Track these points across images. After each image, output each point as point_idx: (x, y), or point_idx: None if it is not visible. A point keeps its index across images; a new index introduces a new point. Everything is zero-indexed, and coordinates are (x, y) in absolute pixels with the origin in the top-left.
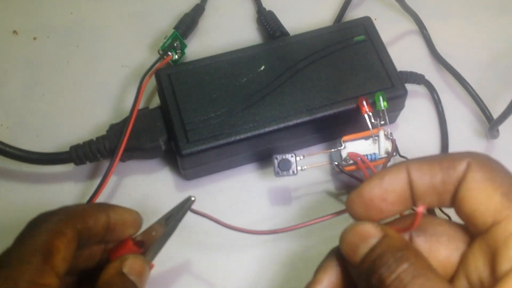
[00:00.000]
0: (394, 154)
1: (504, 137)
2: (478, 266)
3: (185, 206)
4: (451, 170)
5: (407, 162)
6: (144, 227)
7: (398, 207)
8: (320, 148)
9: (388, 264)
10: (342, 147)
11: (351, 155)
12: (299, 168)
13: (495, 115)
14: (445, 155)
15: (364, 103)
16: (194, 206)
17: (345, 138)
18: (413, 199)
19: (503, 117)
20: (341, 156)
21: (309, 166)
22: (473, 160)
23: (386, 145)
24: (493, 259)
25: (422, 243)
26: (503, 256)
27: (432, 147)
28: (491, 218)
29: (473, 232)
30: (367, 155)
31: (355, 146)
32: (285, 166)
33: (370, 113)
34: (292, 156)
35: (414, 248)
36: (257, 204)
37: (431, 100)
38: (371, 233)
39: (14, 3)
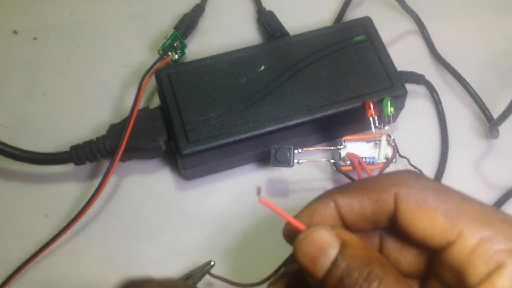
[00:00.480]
0: (394, 161)
1: (504, 137)
2: (447, 277)
3: (204, 269)
4: (380, 202)
5: (334, 196)
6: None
7: None
8: (321, 146)
9: (358, 284)
10: (342, 147)
11: (349, 156)
12: (295, 160)
13: (495, 115)
14: (371, 183)
15: (371, 105)
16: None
17: (346, 138)
18: (346, 227)
19: (503, 117)
20: (340, 155)
21: (306, 160)
22: (400, 188)
23: (386, 151)
24: (460, 275)
25: (392, 243)
26: (470, 273)
27: (432, 147)
28: (443, 240)
29: (431, 250)
30: (365, 157)
31: (355, 147)
32: (281, 157)
33: (375, 117)
34: (290, 148)
35: (378, 257)
36: (258, 204)
37: (431, 100)
38: (328, 242)
39: (14, 3)
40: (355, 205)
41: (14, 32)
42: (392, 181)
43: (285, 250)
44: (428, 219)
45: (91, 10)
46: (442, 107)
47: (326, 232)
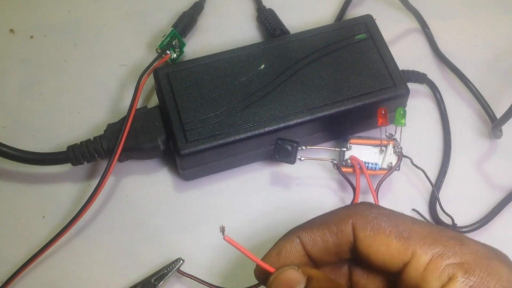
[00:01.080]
0: (397, 169)
1: (507, 137)
2: None
3: (173, 267)
4: (339, 234)
5: (298, 233)
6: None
7: None
8: (326, 146)
9: None
10: (346, 149)
11: (352, 159)
12: (298, 157)
13: (498, 114)
14: (330, 216)
15: (383, 113)
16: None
17: (353, 141)
18: (313, 262)
19: (506, 116)
20: (344, 156)
21: (308, 158)
22: (356, 218)
23: (391, 159)
24: None
25: (359, 272)
26: None
27: (434, 147)
28: (400, 262)
29: (392, 274)
30: (368, 162)
31: (360, 151)
32: (284, 153)
33: (386, 125)
34: (294, 145)
35: (340, 285)
36: (257, 204)
37: (434, 99)
38: (296, 279)
39: (11, 2)
40: (318, 240)
41: (11, 30)
42: (348, 212)
43: None
44: (384, 244)
45: (88, 8)
46: (444, 107)
47: (293, 270)
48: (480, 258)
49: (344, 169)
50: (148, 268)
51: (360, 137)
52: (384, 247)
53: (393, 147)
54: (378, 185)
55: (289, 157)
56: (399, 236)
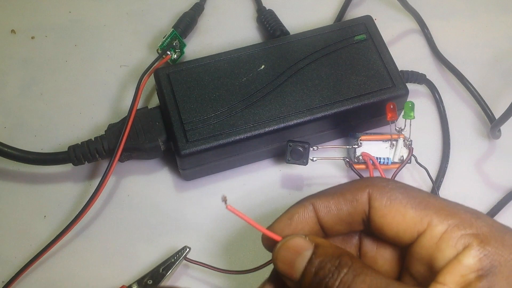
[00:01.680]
0: (409, 161)
1: (506, 137)
2: (419, 270)
3: (180, 255)
4: (354, 202)
5: (312, 200)
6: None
7: None
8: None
9: (331, 273)
10: (357, 146)
11: (364, 155)
12: (310, 158)
13: (497, 115)
14: (346, 186)
15: (392, 107)
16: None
17: (363, 137)
18: (324, 231)
19: (505, 117)
20: (355, 153)
21: (321, 158)
22: (372, 188)
23: (402, 152)
24: (430, 263)
25: (369, 244)
26: (439, 258)
27: (433, 147)
28: (415, 232)
29: (404, 245)
30: (380, 158)
31: (371, 147)
32: (296, 155)
33: (395, 120)
34: (306, 147)
35: (347, 252)
36: (257, 204)
37: (433, 100)
38: (303, 246)
39: (12, 2)
40: (332, 207)
41: (12, 31)
42: (365, 183)
43: None
44: (399, 214)
45: (89, 9)
46: (443, 107)
47: (300, 238)
48: (496, 230)
49: (356, 166)
50: (149, 268)
51: (369, 133)
52: (400, 217)
53: (404, 140)
54: (393, 179)
55: (302, 159)
56: (415, 206)
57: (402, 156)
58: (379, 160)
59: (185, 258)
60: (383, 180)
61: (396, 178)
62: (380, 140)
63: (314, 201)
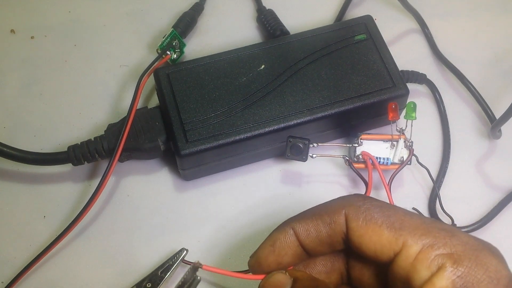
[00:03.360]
0: (409, 163)
1: (506, 137)
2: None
3: (178, 257)
4: (332, 224)
5: (292, 224)
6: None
7: (295, 262)
8: (337, 142)
9: None
10: (357, 145)
11: (364, 154)
12: (310, 155)
13: (498, 115)
14: (323, 207)
15: (394, 107)
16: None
17: (363, 136)
18: (307, 252)
19: (506, 117)
20: (355, 152)
21: (320, 155)
22: (348, 209)
23: (402, 153)
24: (408, 282)
25: (355, 261)
26: (415, 278)
27: (434, 147)
28: (391, 252)
29: (384, 264)
30: (380, 158)
31: (371, 146)
32: (296, 151)
33: (396, 120)
34: (306, 143)
35: (323, 282)
36: (257, 204)
37: (433, 100)
38: (283, 282)
39: (12, 2)
40: (311, 230)
41: (12, 31)
42: (341, 203)
43: None
44: (376, 234)
45: (89, 8)
46: (444, 107)
47: (280, 274)
48: (470, 249)
49: (356, 165)
50: (149, 268)
51: (370, 133)
52: (376, 237)
53: (404, 141)
54: (391, 180)
55: (301, 155)
56: (390, 226)
57: (402, 157)
58: (379, 160)
59: (183, 261)
60: (359, 199)
61: (396, 179)
62: (381, 140)
63: (293, 225)
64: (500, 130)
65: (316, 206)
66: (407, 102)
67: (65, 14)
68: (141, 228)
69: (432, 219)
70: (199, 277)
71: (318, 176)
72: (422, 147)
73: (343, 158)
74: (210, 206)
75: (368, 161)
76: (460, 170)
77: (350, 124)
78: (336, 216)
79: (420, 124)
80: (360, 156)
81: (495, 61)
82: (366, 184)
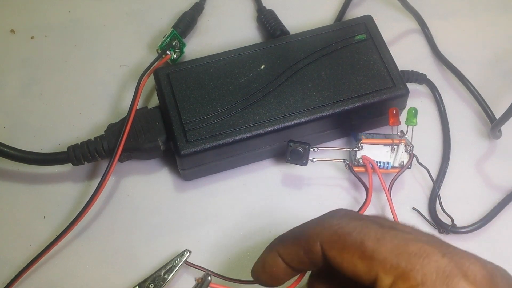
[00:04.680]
0: (409, 167)
1: (506, 137)
2: None
3: (181, 259)
4: (310, 253)
5: (277, 247)
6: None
7: (288, 278)
8: (337, 146)
9: None
10: (357, 149)
11: (364, 158)
12: (310, 159)
13: (498, 115)
14: (301, 233)
15: (395, 112)
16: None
17: (364, 140)
18: (295, 271)
19: (506, 117)
20: (356, 156)
21: (321, 159)
22: (322, 239)
23: (402, 157)
24: None
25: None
26: None
27: (433, 147)
28: (368, 281)
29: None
30: (380, 162)
31: (372, 150)
32: (296, 156)
33: (397, 125)
34: (306, 147)
35: None
36: (257, 204)
37: (433, 100)
38: None
39: (12, 2)
40: (292, 254)
41: (12, 31)
42: (315, 230)
43: None
44: (350, 265)
45: (89, 8)
46: (444, 107)
47: None
48: (442, 276)
49: (356, 169)
50: (149, 268)
51: (371, 137)
52: (351, 267)
53: (405, 145)
54: (391, 184)
55: (301, 159)
56: (362, 256)
57: (403, 161)
58: (379, 164)
59: (186, 262)
60: (333, 224)
61: (396, 181)
62: (381, 144)
63: (278, 249)
64: (500, 130)
65: (298, 227)
66: (409, 107)
67: (65, 14)
68: (141, 228)
69: (407, 238)
70: None
71: (319, 179)
72: (422, 147)
73: (344, 162)
74: (210, 206)
75: (368, 165)
76: (460, 170)
77: (350, 124)
78: (311, 245)
79: (420, 124)
80: (361, 160)
81: (495, 61)
82: (366, 188)
